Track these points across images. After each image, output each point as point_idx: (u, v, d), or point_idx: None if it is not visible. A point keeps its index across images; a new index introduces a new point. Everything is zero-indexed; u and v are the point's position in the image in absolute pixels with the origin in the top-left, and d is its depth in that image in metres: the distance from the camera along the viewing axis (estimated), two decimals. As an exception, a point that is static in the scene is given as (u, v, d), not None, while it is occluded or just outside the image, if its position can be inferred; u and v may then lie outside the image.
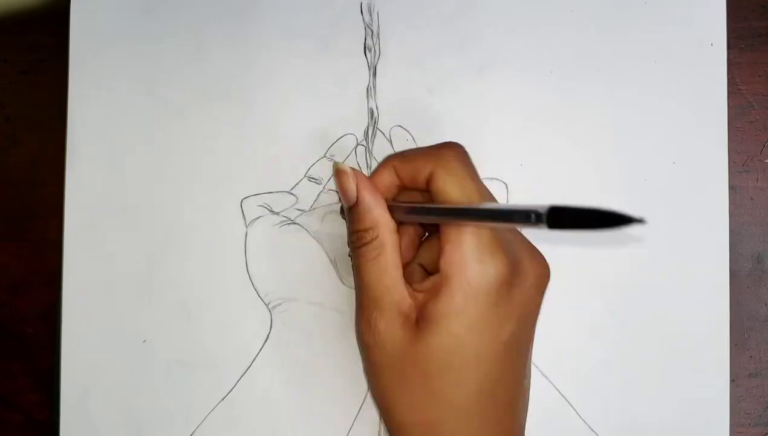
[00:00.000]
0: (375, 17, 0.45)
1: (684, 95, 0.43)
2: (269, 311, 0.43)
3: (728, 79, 0.43)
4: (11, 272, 0.47)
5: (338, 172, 0.36)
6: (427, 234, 0.39)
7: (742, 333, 0.43)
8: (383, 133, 0.44)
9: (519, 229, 0.36)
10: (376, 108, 0.44)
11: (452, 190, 0.34)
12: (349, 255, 0.36)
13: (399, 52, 0.44)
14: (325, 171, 0.44)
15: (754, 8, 0.45)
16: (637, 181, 0.43)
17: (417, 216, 0.36)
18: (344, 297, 0.43)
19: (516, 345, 0.34)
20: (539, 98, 0.43)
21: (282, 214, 0.44)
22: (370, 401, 0.43)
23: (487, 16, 0.44)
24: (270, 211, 0.44)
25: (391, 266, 0.35)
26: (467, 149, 0.41)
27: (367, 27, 0.45)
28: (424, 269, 0.37)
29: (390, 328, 0.34)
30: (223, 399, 0.43)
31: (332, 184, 0.44)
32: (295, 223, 0.44)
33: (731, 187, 0.43)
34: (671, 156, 0.43)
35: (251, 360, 0.43)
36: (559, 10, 0.44)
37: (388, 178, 0.37)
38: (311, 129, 0.44)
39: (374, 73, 0.44)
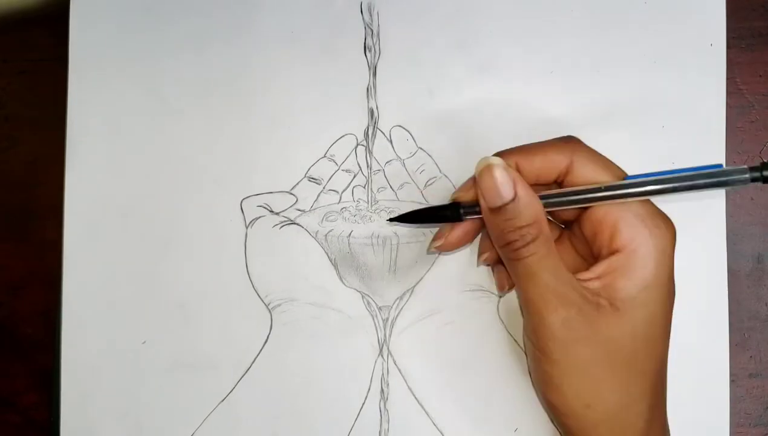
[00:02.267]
0: (375, 17, 0.45)
1: (683, 96, 0.43)
2: (269, 311, 0.43)
3: (729, 79, 0.43)
4: (10, 272, 0.47)
5: (490, 168, 0.33)
6: None
7: (742, 333, 0.43)
8: (383, 133, 0.44)
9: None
10: (377, 108, 0.44)
11: (601, 175, 0.34)
12: (508, 257, 0.34)
13: (399, 52, 0.44)
14: (325, 171, 0.44)
15: (755, 8, 0.45)
16: (637, 181, 0.43)
17: (579, 201, 0.34)
18: (344, 297, 0.43)
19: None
20: (539, 98, 0.43)
21: (282, 214, 0.44)
22: (371, 401, 0.43)
23: (488, 16, 0.44)
24: (270, 211, 0.44)
25: (560, 259, 0.33)
26: (468, 148, 0.42)
27: (367, 27, 0.45)
28: None
29: (586, 322, 0.32)
30: (223, 400, 0.43)
31: (332, 185, 0.44)
32: (295, 223, 0.44)
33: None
34: (670, 156, 0.43)
35: (251, 361, 0.43)
36: (559, 10, 0.44)
37: None
38: (311, 129, 0.44)
39: (374, 73, 0.44)
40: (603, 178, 0.34)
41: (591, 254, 0.36)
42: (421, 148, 0.44)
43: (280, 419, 0.43)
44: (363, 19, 0.45)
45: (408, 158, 0.44)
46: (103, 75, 0.45)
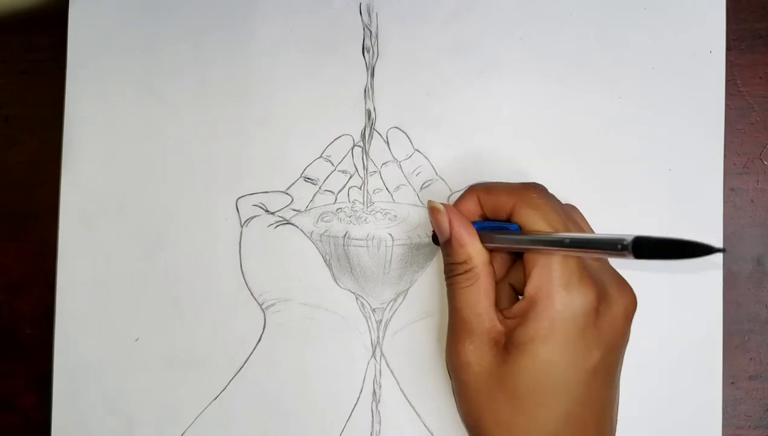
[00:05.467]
0: (374, 18, 0.45)
1: (681, 102, 0.43)
2: (263, 311, 0.43)
3: (728, 81, 0.43)
4: (10, 273, 0.47)
5: (432, 211, 0.38)
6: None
7: (742, 335, 0.43)
8: (380, 135, 0.44)
9: (606, 258, 0.37)
10: (374, 109, 0.44)
11: (536, 222, 0.35)
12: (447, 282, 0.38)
13: (397, 54, 0.44)
14: (321, 172, 0.44)
15: (755, 10, 0.44)
16: (633, 187, 0.43)
17: (507, 244, 0.36)
18: (338, 298, 0.43)
19: (603, 372, 0.35)
20: (537, 102, 0.43)
21: (277, 214, 0.44)
22: (363, 403, 0.43)
23: (486, 19, 0.44)
24: (265, 211, 0.44)
25: (483, 295, 0.36)
26: (464, 151, 0.41)
27: (366, 28, 0.45)
28: (514, 288, 0.39)
29: (479, 351, 0.35)
30: (215, 399, 0.43)
31: (328, 185, 0.44)
32: (290, 223, 0.44)
33: (731, 189, 0.43)
34: (667, 163, 0.43)
35: (244, 360, 0.43)
36: (558, 14, 0.44)
37: (472, 207, 0.38)
38: (308, 129, 0.44)
39: (372, 74, 0.44)
40: (535, 225, 0.35)
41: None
42: (417, 150, 0.44)
43: (271, 419, 0.43)
44: (362, 20, 0.45)
45: (404, 160, 0.44)
46: (101, 75, 0.45)
